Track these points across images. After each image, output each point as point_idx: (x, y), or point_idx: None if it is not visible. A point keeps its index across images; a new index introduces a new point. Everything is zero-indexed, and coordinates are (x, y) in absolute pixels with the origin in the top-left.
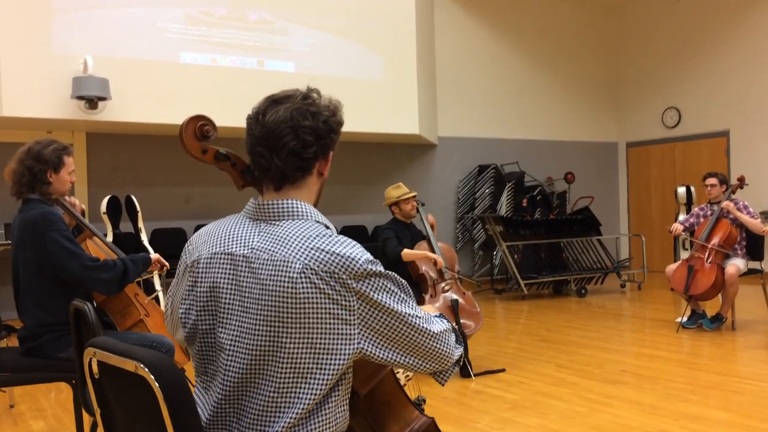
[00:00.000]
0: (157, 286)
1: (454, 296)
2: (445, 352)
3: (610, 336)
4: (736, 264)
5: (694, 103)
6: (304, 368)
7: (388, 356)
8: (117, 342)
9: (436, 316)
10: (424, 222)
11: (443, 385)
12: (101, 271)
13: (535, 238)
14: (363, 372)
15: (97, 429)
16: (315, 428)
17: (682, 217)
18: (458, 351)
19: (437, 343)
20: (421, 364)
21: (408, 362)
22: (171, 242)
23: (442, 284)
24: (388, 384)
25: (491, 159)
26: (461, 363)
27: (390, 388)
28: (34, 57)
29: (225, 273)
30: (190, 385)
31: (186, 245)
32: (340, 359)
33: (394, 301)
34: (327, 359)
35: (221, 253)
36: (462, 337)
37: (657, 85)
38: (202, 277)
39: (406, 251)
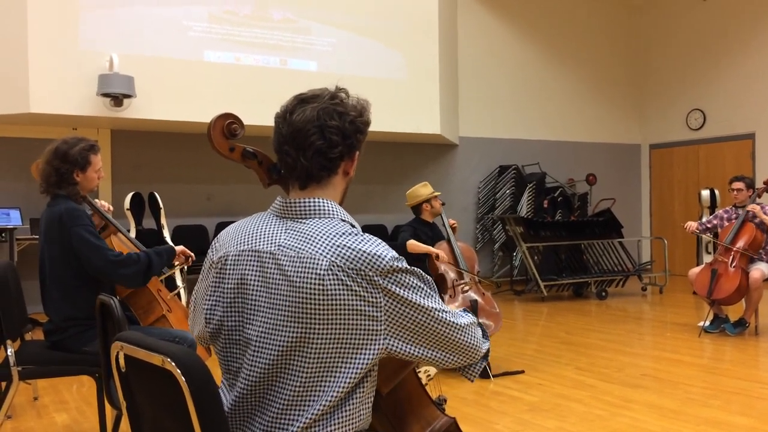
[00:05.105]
0: (179, 282)
1: (474, 296)
2: (473, 344)
3: (630, 339)
4: (761, 269)
5: (720, 104)
6: (330, 364)
7: (415, 351)
8: (144, 336)
9: (461, 310)
10: (444, 223)
11: (472, 380)
12: (125, 266)
13: (556, 239)
14: (385, 371)
15: (121, 422)
16: (338, 425)
17: (705, 219)
18: (486, 344)
19: (464, 335)
20: (449, 358)
21: (436, 356)
22: (193, 239)
23: (462, 284)
24: (410, 383)
25: (512, 159)
26: (488, 357)
27: (411, 387)
28: (61, 54)
29: (252, 270)
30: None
31: (213, 242)
32: (366, 356)
33: (419, 296)
34: (353, 355)
35: (248, 251)
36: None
37: (681, 87)
38: (229, 275)
39: (411, 242)
